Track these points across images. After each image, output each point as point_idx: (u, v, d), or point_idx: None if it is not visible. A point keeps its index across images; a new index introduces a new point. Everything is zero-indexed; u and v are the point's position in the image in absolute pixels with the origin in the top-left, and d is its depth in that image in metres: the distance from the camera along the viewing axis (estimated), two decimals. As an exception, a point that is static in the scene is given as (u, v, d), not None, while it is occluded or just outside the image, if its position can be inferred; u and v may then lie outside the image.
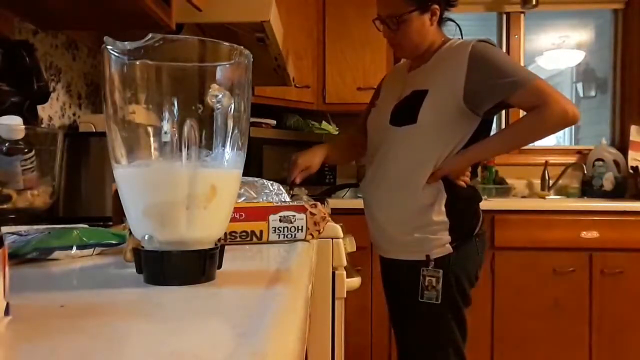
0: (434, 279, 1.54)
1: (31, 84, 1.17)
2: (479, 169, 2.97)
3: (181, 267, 0.56)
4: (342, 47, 2.99)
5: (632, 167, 3.08)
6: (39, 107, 1.26)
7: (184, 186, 0.55)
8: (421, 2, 1.57)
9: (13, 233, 0.72)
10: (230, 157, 0.58)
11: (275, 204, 0.91)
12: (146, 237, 0.56)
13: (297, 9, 2.85)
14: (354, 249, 1.64)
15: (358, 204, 2.31)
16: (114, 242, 0.78)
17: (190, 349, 0.35)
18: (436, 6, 1.59)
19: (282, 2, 1.95)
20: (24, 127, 0.99)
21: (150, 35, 0.52)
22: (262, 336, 0.37)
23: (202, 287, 0.55)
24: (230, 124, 0.58)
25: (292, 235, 0.88)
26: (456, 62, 1.53)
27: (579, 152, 3.33)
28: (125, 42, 0.53)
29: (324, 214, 0.92)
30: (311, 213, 0.90)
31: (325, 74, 3.03)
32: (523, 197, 3.27)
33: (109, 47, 0.54)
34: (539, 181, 3.27)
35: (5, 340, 0.37)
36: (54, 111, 1.52)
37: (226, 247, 0.61)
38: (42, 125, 1.39)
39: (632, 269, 2.61)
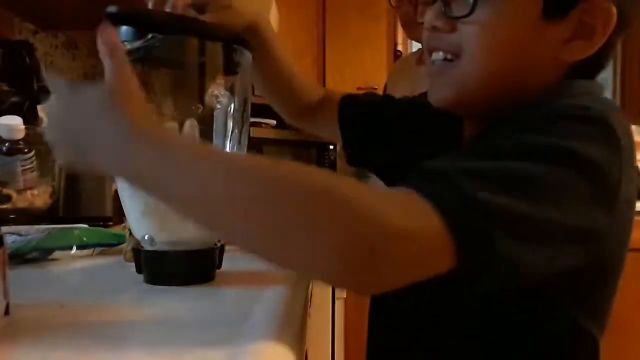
0: None
1: (31, 84, 1.17)
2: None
3: (181, 267, 0.56)
4: (342, 46, 2.99)
5: (632, 167, 3.08)
6: (39, 107, 1.25)
7: (184, 186, 0.55)
8: None
9: (13, 233, 0.72)
10: (230, 157, 0.58)
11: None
12: (146, 237, 0.56)
13: (297, 9, 2.85)
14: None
15: (358, 204, 2.31)
16: (114, 242, 0.78)
17: (189, 349, 0.35)
18: None
19: (282, 2, 1.95)
20: (24, 127, 0.99)
21: (150, 35, 0.52)
22: (262, 336, 0.37)
23: (202, 288, 0.55)
24: (230, 124, 0.58)
25: (292, 235, 0.88)
26: None
27: (579, 152, 3.33)
28: (125, 42, 0.53)
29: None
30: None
31: (325, 74, 3.02)
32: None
33: None
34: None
35: (5, 340, 0.37)
36: (54, 111, 1.52)
37: (226, 247, 0.61)
38: (42, 125, 1.39)
39: (632, 269, 2.60)
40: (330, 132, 0.83)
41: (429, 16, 0.56)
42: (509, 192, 0.40)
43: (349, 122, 0.81)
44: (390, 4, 1.59)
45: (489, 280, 0.41)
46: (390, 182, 0.77)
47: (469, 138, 0.62)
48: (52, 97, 0.47)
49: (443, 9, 0.55)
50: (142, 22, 0.52)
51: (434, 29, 0.56)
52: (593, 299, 0.55)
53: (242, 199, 0.37)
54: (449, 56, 0.56)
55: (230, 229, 0.39)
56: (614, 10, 0.51)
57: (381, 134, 0.76)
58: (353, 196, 0.37)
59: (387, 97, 0.82)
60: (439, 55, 0.57)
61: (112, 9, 0.50)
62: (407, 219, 0.38)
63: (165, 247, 0.55)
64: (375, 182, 0.82)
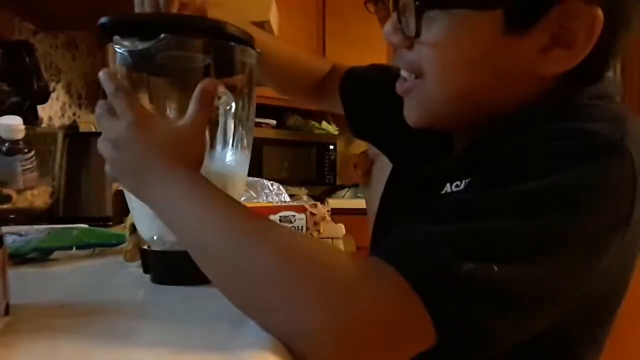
0: None
1: (31, 84, 1.17)
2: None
3: (190, 267, 0.55)
4: (342, 47, 2.98)
5: (632, 167, 3.08)
6: (39, 107, 1.25)
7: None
8: None
9: (13, 233, 0.72)
10: (234, 157, 0.58)
11: (275, 204, 0.91)
12: (155, 238, 0.56)
13: (297, 9, 2.85)
14: (354, 249, 1.65)
15: (358, 204, 2.31)
16: (114, 242, 0.78)
17: (190, 349, 0.35)
18: None
19: (282, 2, 1.95)
20: (24, 127, 0.99)
21: (162, 35, 0.51)
22: (265, 336, 0.37)
23: (206, 288, 0.55)
24: (235, 124, 0.58)
25: (292, 235, 0.88)
26: None
27: (579, 152, 3.32)
28: (136, 42, 0.53)
29: (324, 214, 0.92)
30: (311, 213, 0.90)
31: (325, 74, 3.03)
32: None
33: (116, 45, 0.53)
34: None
35: (5, 340, 0.37)
36: (54, 111, 1.51)
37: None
38: (42, 125, 1.39)
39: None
40: (337, 105, 0.83)
41: (386, 29, 0.53)
42: (498, 259, 0.37)
43: (349, 95, 0.81)
44: (367, 10, 1.59)
45: (471, 351, 0.39)
46: (391, 155, 0.77)
47: (459, 148, 0.57)
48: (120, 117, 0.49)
49: (399, 23, 0.51)
50: (150, 25, 0.52)
51: (392, 43, 0.53)
52: (595, 331, 0.53)
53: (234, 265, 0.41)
54: (412, 76, 0.53)
55: (220, 282, 0.43)
56: (599, 13, 0.44)
57: (379, 107, 0.75)
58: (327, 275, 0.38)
59: (389, 69, 0.81)
60: (404, 73, 0.54)
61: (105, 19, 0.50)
62: (380, 299, 0.36)
63: (175, 247, 0.55)
64: (383, 161, 0.82)
